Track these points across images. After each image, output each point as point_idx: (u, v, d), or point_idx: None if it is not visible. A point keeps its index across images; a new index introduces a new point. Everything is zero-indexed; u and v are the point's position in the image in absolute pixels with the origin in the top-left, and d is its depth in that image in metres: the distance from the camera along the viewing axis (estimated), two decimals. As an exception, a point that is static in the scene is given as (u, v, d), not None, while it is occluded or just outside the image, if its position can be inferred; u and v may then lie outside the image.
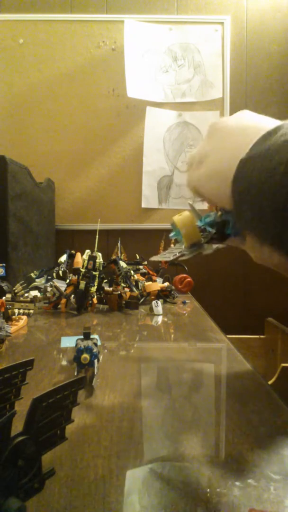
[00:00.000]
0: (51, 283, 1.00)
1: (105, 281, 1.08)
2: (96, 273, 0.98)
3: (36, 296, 1.02)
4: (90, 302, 0.98)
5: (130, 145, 1.89)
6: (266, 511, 0.27)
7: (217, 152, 0.37)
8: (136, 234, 1.89)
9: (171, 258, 0.46)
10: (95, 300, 0.99)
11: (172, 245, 1.50)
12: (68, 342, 0.70)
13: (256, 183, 0.30)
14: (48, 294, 0.99)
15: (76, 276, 0.96)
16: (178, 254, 0.45)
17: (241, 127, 0.37)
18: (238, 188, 0.33)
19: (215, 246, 0.44)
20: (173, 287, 1.19)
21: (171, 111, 1.90)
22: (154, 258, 0.55)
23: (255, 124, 0.36)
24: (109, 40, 1.87)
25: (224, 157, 0.36)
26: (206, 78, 1.89)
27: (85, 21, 1.86)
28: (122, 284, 1.06)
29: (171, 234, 0.46)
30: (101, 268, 1.00)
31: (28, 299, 0.93)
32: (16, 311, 0.89)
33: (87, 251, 1.00)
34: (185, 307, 1.10)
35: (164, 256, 0.48)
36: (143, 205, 1.90)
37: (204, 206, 0.45)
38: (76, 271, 0.97)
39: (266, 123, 0.35)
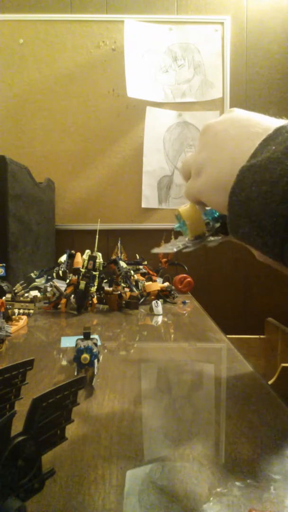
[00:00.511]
0: (51, 283, 1.00)
1: (105, 281, 1.08)
2: (96, 273, 0.98)
3: (36, 296, 1.02)
4: (90, 302, 0.98)
5: (130, 145, 1.89)
6: (266, 511, 0.27)
7: (214, 161, 0.35)
8: (136, 234, 1.89)
9: (174, 250, 0.44)
10: (95, 300, 0.99)
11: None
12: (68, 342, 0.70)
13: (256, 197, 0.29)
14: (48, 294, 0.99)
15: (76, 276, 0.96)
16: (181, 246, 0.44)
17: (236, 130, 0.35)
18: (236, 199, 0.31)
19: (219, 238, 0.43)
20: (173, 287, 1.19)
21: (171, 111, 1.90)
22: (155, 250, 0.53)
23: (250, 125, 0.34)
24: (109, 40, 1.87)
25: (224, 166, 0.34)
26: (206, 78, 1.89)
27: (85, 21, 1.86)
28: (122, 284, 1.06)
29: (176, 226, 0.45)
30: (101, 268, 1.00)
31: (28, 299, 0.93)
32: (16, 311, 0.89)
33: (87, 251, 1.00)
34: (185, 307, 1.10)
35: (167, 248, 0.46)
36: (143, 205, 1.90)
37: None
38: (76, 271, 0.97)
39: (261, 123, 0.34)
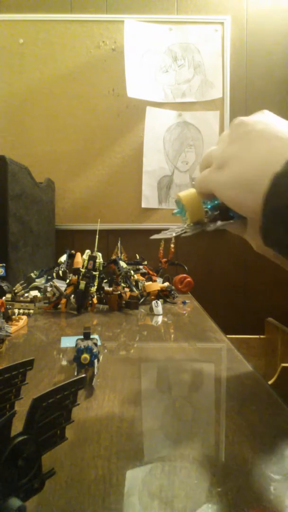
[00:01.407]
0: (51, 283, 1.00)
1: (105, 281, 1.08)
2: (96, 273, 0.98)
3: (36, 296, 1.02)
4: (90, 302, 0.98)
5: (130, 145, 1.89)
6: (266, 511, 0.27)
7: (243, 158, 0.34)
8: (136, 234, 1.89)
9: (173, 234, 0.45)
10: (95, 300, 0.99)
11: (172, 245, 1.49)
12: (68, 342, 0.70)
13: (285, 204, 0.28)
14: (48, 294, 0.99)
15: (76, 276, 0.96)
16: (180, 232, 0.44)
17: (271, 133, 0.34)
18: (272, 206, 0.31)
19: (219, 224, 0.43)
20: (173, 287, 1.19)
21: (171, 111, 1.90)
22: (154, 236, 0.53)
23: (287, 131, 0.33)
24: (109, 40, 1.87)
25: (253, 166, 0.33)
26: (206, 78, 1.89)
27: (85, 21, 1.86)
28: (122, 284, 1.06)
29: (175, 211, 0.45)
30: (101, 268, 1.00)
31: (28, 299, 0.93)
32: (16, 311, 0.89)
33: (87, 251, 1.00)
34: (185, 307, 1.10)
35: (166, 234, 0.46)
36: (143, 205, 1.90)
37: None
38: (76, 271, 0.97)
39: None
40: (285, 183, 0.30)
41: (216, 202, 0.42)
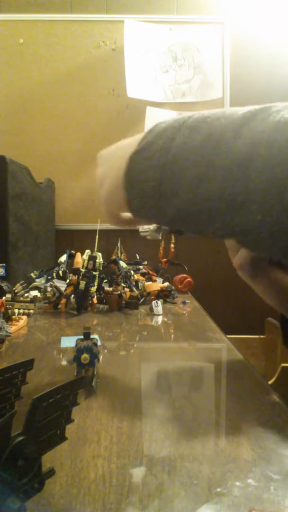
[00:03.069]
0: (51, 283, 1.00)
1: (105, 281, 1.08)
2: (96, 273, 0.98)
3: (36, 296, 1.02)
4: (90, 302, 0.98)
5: (130, 145, 1.89)
6: (266, 511, 0.27)
7: (108, 171, 0.43)
8: (136, 234, 1.89)
9: (141, 230, 0.60)
10: (95, 300, 0.99)
11: (172, 245, 1.50)
12: (68, 342, 0.70)
13: (137, 173, 0.37)
14: (48, 294, 0.99)
15: (76, 276, 0.96)
16: (144, 230, 0.57)
17: (119, 146, 0.45)
18: (128, 179, 0.38)
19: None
20: (173, 287, 1.19)
21: (171, 111, 1.89)
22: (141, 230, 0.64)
23: (130, 140, 0.42)
24: (109, 40, 1.87)
25: (113, 171, 0.41)
26: (206, 78, 1.90)
27: (85, 21, 1.86)
28: (122, 284, 1.06)
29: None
30: (101, 268, 1.00)
31: (28, 299, 0.93)
32: (16, 311, 0.89)
33: (87, 251, 1.00)
34: (185, 307, 1.10)
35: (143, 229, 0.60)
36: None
37: None
38: (76, 271, 0.97)
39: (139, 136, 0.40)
40: (138, 158, 0.37)
41: None
